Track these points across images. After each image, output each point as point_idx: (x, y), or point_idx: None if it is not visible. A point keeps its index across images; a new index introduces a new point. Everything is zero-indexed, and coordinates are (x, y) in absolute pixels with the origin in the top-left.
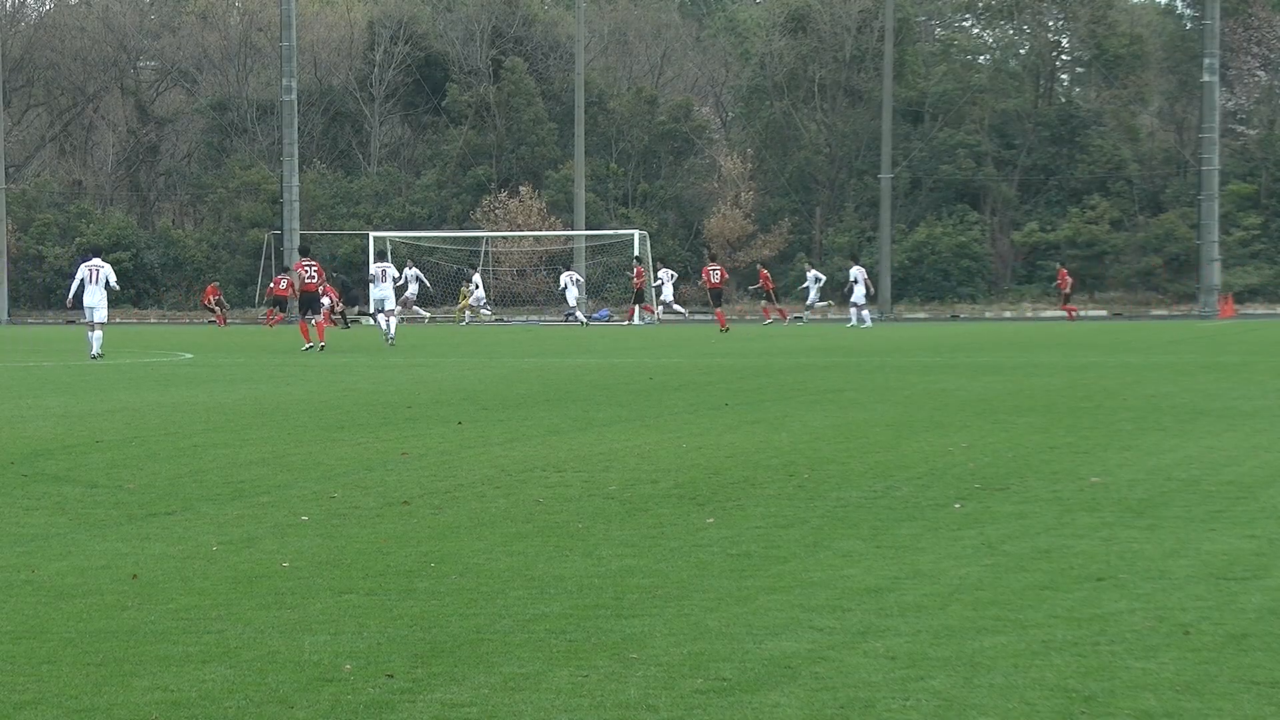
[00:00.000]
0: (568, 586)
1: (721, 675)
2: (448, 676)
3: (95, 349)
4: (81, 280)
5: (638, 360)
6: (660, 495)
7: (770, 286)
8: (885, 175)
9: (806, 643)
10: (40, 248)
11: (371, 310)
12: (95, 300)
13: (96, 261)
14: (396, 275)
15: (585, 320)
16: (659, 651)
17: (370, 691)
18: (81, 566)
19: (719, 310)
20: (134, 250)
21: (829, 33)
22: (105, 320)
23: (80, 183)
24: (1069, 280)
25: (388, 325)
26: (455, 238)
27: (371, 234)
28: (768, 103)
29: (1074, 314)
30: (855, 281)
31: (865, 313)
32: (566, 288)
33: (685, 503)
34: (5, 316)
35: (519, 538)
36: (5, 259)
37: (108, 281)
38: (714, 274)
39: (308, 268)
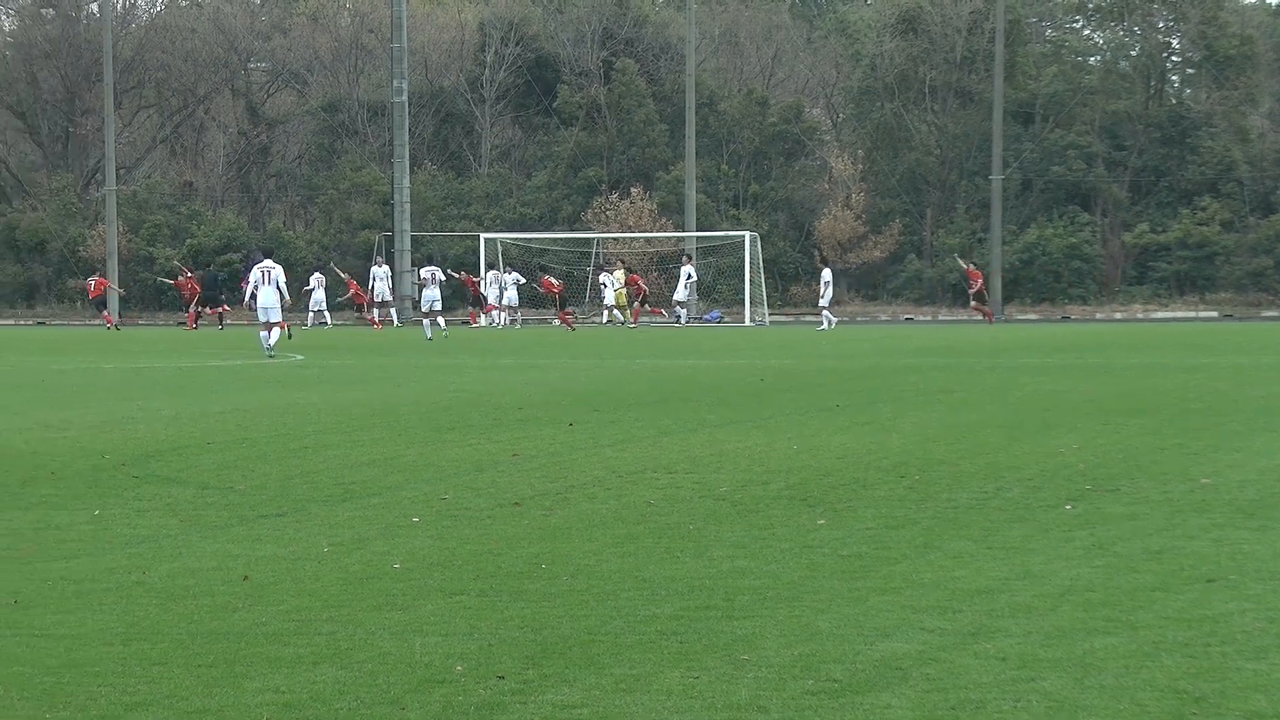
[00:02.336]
0: (679, 588)
1: (832, 676)
2: (559, 678)
3: (269, 343)
4: (256, 281)
5: (749, 362)
6: (771, 497)
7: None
8: (996, 176)
9: (917, 644)
10: (151, 249)
11: (424, 310)
12: (270, 300)
13: (269, 263)
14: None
15: (621, 320)
16: (770, 653)
17: (481, 693)
18: (192, 568)
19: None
20: (245, 251)
21: (940, 34)
22: (280, 320)
23: (191, 184)
24: (979, 280)
25: (434, 326)
26: (566, 239)
27: (482, 235)
28: (878, 104)
29: (990, 316)
30: (827, 283)
31: (828, 314)
32: (606, 288)
33: (796, 504)
34: (117, 318)
35: (630, 539)
36: (116, 260)
37: (279, 282)
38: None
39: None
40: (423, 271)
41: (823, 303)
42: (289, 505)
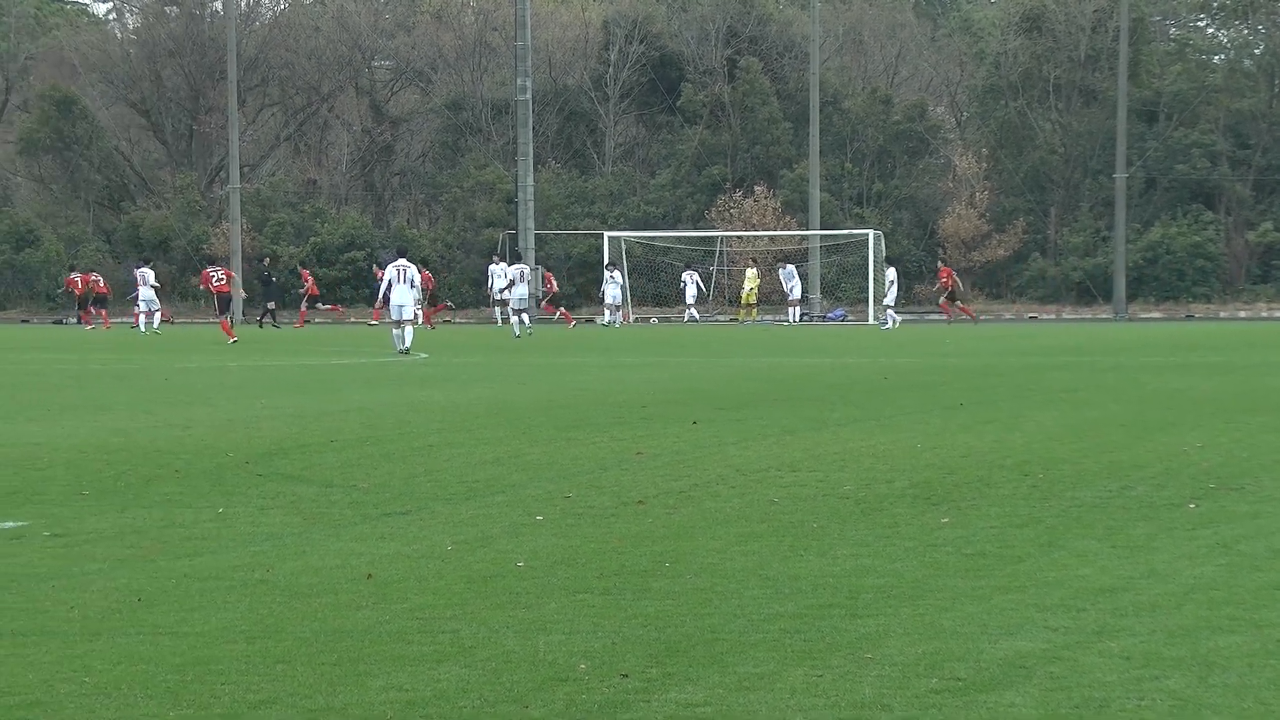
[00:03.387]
0: (802, 586)
1: (956, 675)
2: (682, 676)
3: (404, 344)
4: (390, 280)
5: (871, 360)
6: (895, 495)
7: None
8: (1120, 175)
9: (1041, 642)
10: (274, 247)
11: (512, 309)
12: (404, 299)
13: (403, 262)
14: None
15: (698, 317)
16: (893, 651)
17: (605, 691)
18: (316, 566)
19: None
20: (368, 250)
21: (1064, 32)
22: (413, 318)
23: (315, 182)
24: (954, 279)
25: (522, 322)
26: (689, 237)
27: (606, 234)
28: (1002, 102)
29: (971, 314)
30: (892, 283)
31: (891, 313)
32: (686, 286)
33: (920, 502)
34: (240, 316)
35: (754, 537)
36: (241, 258)
37: (413, 281)
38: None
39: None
40: (511, 270)
41: (887, 301)
42: (413, 503)
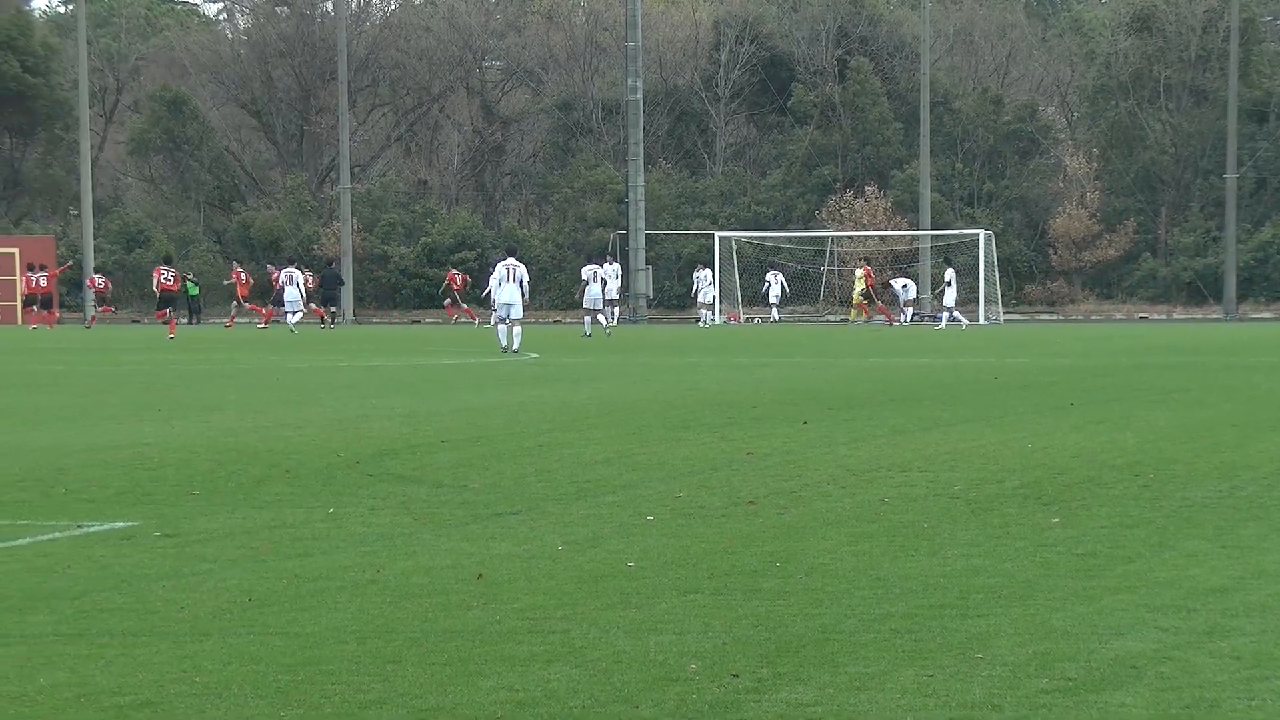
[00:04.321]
0: (913, 586)
1: (1066, 675)
2: (793, 676)
3: (514, 344)
4: (500, 278)
5: (981, 360)
6: (1005, 495)
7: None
8: (1230, 175)
9: (1152, 643)
10: (385, 247)
11: (584, 308)
12: (512, 297)
13: (512, 261)
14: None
15: (778, 318)
16: (1004, 651)
17: (715, 691)
18: (427, 566)
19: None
20: (479, 250)
21: (1174, 32)
22: (521, 317)
23: (425, 182)
24: (871, 279)
25: (595, 323)
26: (800, 237)
27: (717, 234)
28: (1113, 102)
29: (867, 316)
30: (949, 284)
31: (956, 313)
32: (770, 285)
33: (1030, 502)
34: (351, 316)
35: (864, 537)
36: (351, 259)
37: (522, 280)
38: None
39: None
40: (584, 270)
41: (948, 302)
42: (523, 503)
